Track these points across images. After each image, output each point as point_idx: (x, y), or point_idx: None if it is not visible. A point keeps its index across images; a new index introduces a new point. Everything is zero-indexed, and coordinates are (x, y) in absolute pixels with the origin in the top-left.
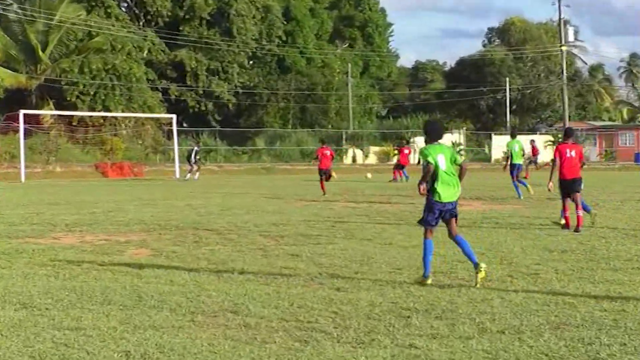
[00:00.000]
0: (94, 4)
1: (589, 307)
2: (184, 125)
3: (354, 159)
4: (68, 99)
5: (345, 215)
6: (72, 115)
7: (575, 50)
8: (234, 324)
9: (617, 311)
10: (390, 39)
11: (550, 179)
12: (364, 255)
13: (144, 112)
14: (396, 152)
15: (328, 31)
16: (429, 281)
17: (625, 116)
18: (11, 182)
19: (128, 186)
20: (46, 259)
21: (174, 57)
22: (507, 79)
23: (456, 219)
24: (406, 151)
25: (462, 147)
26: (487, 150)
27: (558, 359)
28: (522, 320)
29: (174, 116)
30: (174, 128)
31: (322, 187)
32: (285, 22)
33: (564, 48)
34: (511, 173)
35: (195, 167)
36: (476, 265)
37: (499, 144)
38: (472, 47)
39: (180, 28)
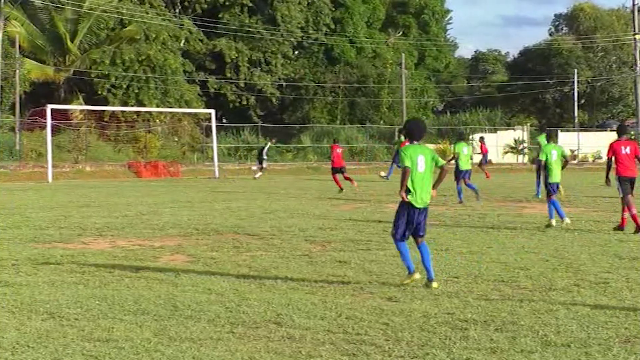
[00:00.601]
0: None
1: None
2: (224, 121)
3: None
4: (99, 92)
5: None
6: (103, 111)
7: None
8: (277, 336)
9: None
10: (448, 27)
11: (607, 178)
12: (418, 262)
13: (180, 106)
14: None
15: (380, 18)
16: (417, 275)
17: None
18: (38, 183)
19: (163, 187)
20: (75, 266)
21: (213, 47)
22: (576, 70)
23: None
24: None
25: (525, 144)
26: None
27: None
28: (589, 333)
29: (212, 111)
30: (213, 124)
31: (338, 184)
32: (333, 9)
33: (638, 37)
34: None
35: (263, 166)
36: (429, 280)
37: (566, 141)
38: (538, 35)
39: (220, 15)
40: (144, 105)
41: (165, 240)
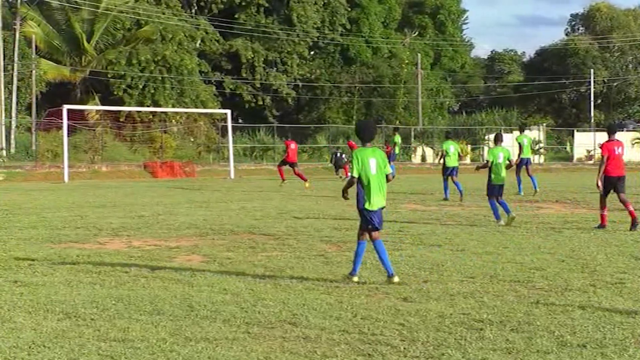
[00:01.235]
0: None
1: None
2: (239, 121)
3: (423, 158)
4: (115, 93)
5: (413, 219)
6: (119, 111)
7: None
8: (292, 336)
9: None
10: (464, 27)
11: (598, 177)
12: (434, 262)
13: (196, 107)
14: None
15: (396, 19)
16: (355, 279)
17: None
18: (54, 183)
19: (179, 187)
20: (91, 266)
21: (229, 48)
22: (592, 70)
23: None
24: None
25: (541, 144)
26: (568, 149)
27: None
28: (605, 334)
29: (228, 111)
30: (229, 124)
31: (282, 175)
32: (349, 9)
33: None
34: (518, 167)
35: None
36: (390, 276)
37: (582, 141)
38: (554, 35)
39: (236, 16)
40: (159, 106)
41: (181, 241)
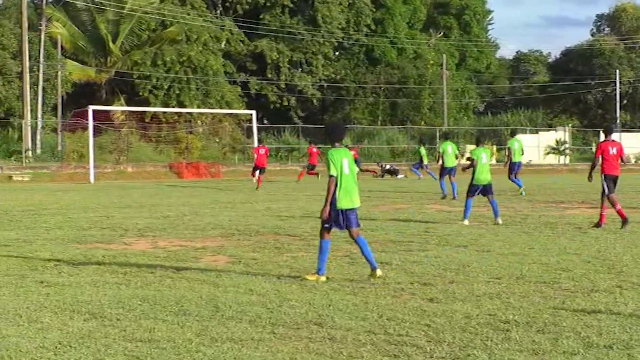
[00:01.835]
0: None
1: None
2: (265, 122)
3: None
4: (140, 93)
5: (439, 219)
6: (145, 112)
7: None
8: (318, 337)
9: None
10: (489, 27)
11: (590, 174)
12: (459, 263)
13: (221, 107)
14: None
15: (421, 19)
16: (323, 278)
17: None
18: (79, 184)
19: (204, 188)
20: (117, 266)
21: (254, 48)
22: (617, 71)
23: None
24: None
25: (566, 145)
26: (594, 149)
27: None
28: (631, 335)
29: (253, 112)
30: (254, 125)
31: (258, 181)
32: (374, 10)
33: None
34: (510, 172)
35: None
36: (373, 270)
37: None
38: (579, 36)
39: (261, 16)
40: (185, 106)
41: (207, 241)
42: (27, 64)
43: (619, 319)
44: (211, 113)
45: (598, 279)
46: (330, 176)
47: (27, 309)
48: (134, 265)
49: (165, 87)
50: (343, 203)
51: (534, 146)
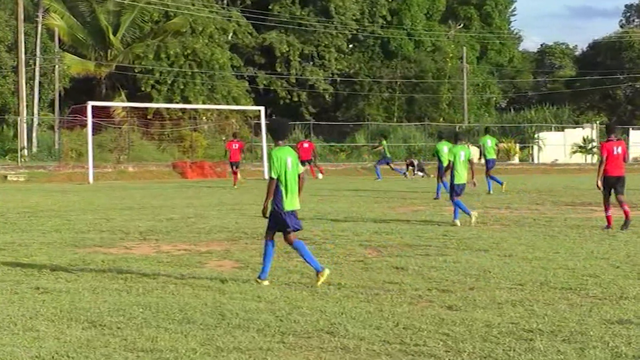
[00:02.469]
0: None
1: None
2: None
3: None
4: (142, 88)
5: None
6: (147, 108)
7: None
8: (330, 347)
9: None
10: (512, 18)
11: (598, 177)
12: (480, 268)
13: (227, 103)
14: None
15: (440, 10)
16: (266, 282)
17: None
18: (78, 184)
19: (210, 188)
20: (117, 272)
21: (263, 41)
22: None
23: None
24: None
25: (594, 143)
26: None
27: None
28: None
29: (262, 108)
30: (262, 122)
31: (235, 179)
32: (390, 0)
33: None
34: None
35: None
36: (319, 271)
37: (638, 140)
38: (608, 27)
39: (270, 7)
40: (189, 102)
41: (212, 245)
42: (23, 57)
43: None
44: (217, 109)
45: (627, 285)
46: (271, 178)
47: (22, 317)
48: (136, 271)
49: (169, 81)
50: (290, 204)
51: (560, 144)
